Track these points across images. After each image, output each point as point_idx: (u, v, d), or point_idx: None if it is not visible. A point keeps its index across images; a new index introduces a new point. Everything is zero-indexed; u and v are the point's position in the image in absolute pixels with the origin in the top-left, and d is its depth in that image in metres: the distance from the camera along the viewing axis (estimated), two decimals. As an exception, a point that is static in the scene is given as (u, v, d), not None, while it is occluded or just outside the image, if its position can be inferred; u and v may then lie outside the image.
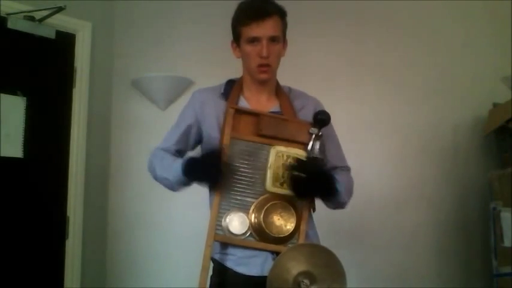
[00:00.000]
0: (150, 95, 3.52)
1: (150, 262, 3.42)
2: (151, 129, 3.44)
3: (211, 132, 1.92)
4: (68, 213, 3.21)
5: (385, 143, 3.60)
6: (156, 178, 1.96)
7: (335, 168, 2.01)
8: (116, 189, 3.49)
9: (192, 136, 2.00)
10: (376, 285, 3.41)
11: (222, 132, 1.84)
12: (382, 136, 3.60)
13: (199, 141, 2.01)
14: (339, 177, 1.92)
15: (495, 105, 3.49)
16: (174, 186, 1.89)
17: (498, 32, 3.65)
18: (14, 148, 2.98)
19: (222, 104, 1.93)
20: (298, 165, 1.77)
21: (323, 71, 3.57)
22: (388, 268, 3.48)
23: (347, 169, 2.06)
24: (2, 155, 2.92)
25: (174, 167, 1.84)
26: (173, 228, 3.43)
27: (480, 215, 3.49)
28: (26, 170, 3.04)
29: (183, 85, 3.50)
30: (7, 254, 2.90)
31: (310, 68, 3.54)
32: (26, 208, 3.02)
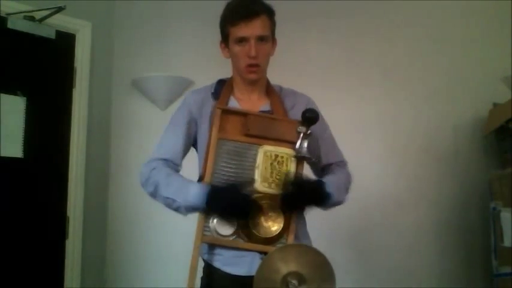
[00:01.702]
0: (150, 95, 3.53)
1: (150, 262, 3.43)
2: (151, 129, 3.44)
3: (205, 133, 1.89)
4: (68, 213, 3.22)
5: (385, 143, 3.58)
6: (155, 195, 1.86)
7: (330, 164, 1.99)
8: (116, 189, 3.50)
9: (192, 139, 1.97)
10: (377, 285, 3.40)
11: (209, 133, 1.83)
12: (382, 136, 3.59)
13: (194, 142, 1.98)
14: (331, 178, 1.90)
15: (495, 105, 3.46)
16: (180, 209, 1.80)
17: (498, 32, 3.63)
18: (14, 148, 2.99)
19: (213, 103, 1.91)
20: (294, 181, 1.76)
21: (323, 70, 3.56)
22: (388, 268, 3.47)
23: (343, 164, 2.03)
24: (2, 155, 2.93)
25: (187, 191, 1.76)
26: (173, 228, 3.41)
27: (480, 215, 3.47)
28: (26, 170, 3.05)
29: (183, 85, 3.50)
30: (7, 254, 2.92)
31: (310, 67, 3.54)
32: (26, 208, 3.03)
